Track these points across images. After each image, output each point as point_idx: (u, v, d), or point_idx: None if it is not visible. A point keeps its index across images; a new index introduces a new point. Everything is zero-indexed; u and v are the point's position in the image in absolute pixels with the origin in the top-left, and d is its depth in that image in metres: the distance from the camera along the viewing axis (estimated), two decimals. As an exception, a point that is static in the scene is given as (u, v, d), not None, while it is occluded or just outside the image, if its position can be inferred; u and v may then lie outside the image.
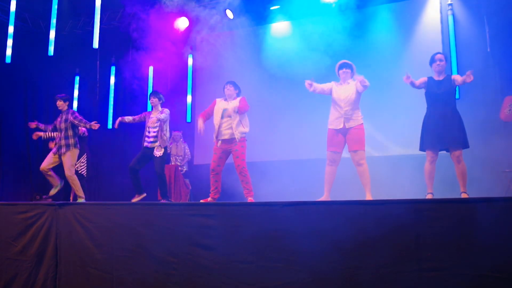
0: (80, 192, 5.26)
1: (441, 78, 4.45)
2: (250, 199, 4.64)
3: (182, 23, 8.19)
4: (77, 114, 5.55)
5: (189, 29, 8.75)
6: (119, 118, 5.67)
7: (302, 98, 7.47)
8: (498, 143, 6.57)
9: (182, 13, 8.16)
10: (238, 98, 4.96)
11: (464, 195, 4.23)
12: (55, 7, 7.79)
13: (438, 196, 4.28)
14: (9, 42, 8.01)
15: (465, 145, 4.34)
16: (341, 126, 4.51)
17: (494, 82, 6.66)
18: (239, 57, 8.36)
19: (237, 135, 4.72)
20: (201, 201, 4.68)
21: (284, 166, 7.56)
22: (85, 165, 6.31)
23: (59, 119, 5.57)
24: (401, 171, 6.23)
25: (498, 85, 6.62)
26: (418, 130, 4.57)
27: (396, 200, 3.03)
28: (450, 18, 6.97)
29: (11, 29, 8.06)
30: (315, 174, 6.83)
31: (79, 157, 6.05)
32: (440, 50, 7.17)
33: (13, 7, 8.00)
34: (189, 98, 8.78)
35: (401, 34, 7.43)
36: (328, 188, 4.57)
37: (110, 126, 8.94)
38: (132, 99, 8.92)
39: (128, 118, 5.64)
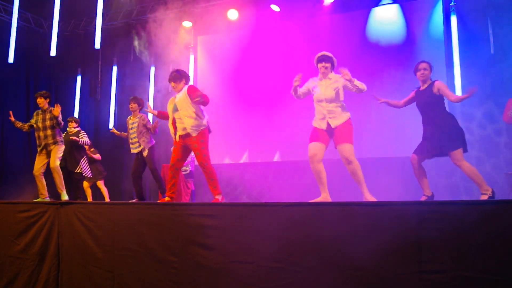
0: (59, 187, 5.34)
1: (425, 86, 4.46)
2: (216, 198, 4.27)
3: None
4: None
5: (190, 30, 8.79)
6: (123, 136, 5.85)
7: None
8: (501, 145, 6.59)
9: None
10: (185, 88, 4.49)
11: (483, 197, 4.01)
12: (57, 7, 7.82)
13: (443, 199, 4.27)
14: (12, 42, 8.04)
15: (457, 146, 4.14)
16: (325, 126, 4.13)
17: (497, 84, 6.66)
18: (238, 57, 8.39)
19: (190, 130, 4.35)
20: (158, 200, 4.55)
21: (289, 166, 7.61)
22: (88, 166, 6.37)
23: (40, 117, 5.53)
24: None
25: (501, 87, 6.63)
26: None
27: (397, 202, 3.04)
28: (453, 19, 6.96)
29: (13, 29, 8.10)
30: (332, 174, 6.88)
31: (79, 161, 6.17)
32: (443, 52, 7.20)
33: (16, 7, 8.04)
34: (190, 98, 8.78)
35: (403, 34, 7.43)
36: (323, 188, 4.12)
37: (111, 126, 8.97)
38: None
39: (123, 134, 5.84)
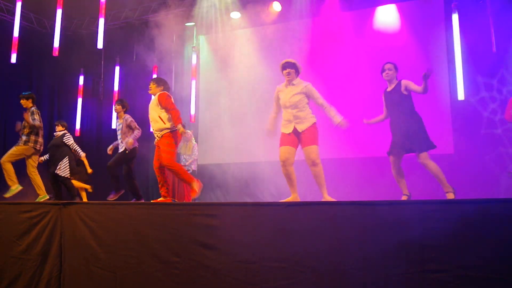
0: (9, 181, 5.54)
1: (391, 87, 4.47)
2: (194, 189, 4.52)
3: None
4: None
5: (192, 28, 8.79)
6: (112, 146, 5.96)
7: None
8: (504, 144, 6.56)
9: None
10: (157, 94, 4.77)
11: (449, 195, 4.19)
12: (60, 7, 7.82)
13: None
14: (15, 42, 8.04)
15: (427, 147, 4.27)
16: (292, 130, 4.22)
17: (500, 82, 6.63)
18: (243, 55, 8.38)
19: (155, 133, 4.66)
20: (152, 201, 4.66)
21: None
22: (67, 166, 6.40)
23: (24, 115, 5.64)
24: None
25: (503, 85, 6.60)
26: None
27: (400, 201, 3.03)
28: (455, 17, 6.91)
29: (16, 30, 8.10)
30: (329, 173, 6.86)
31: (60, 159, 6.27)
32: (445, 51, 7.17)
33: (18, 7, 8.04)
34: (193, 97, 8.79)
35: (405, 33, 7.40)
36: (294, 189, 4.23)
37: (114, 126, 8.97)
38: (136, 98, 8.94)
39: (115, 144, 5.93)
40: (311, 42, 7.73)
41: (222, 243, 3.30)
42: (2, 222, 4.25)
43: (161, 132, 4.61)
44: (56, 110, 10.04)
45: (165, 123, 4.63)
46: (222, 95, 8.53)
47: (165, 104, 4.63)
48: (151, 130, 4.80)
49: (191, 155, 7.75)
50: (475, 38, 6.85)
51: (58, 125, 6.58)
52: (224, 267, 3.25)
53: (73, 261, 3.90)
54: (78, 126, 9.57)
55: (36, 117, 5.61)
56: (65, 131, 6.56)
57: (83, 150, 6.85)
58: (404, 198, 4.36)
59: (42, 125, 5.74)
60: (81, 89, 9.71)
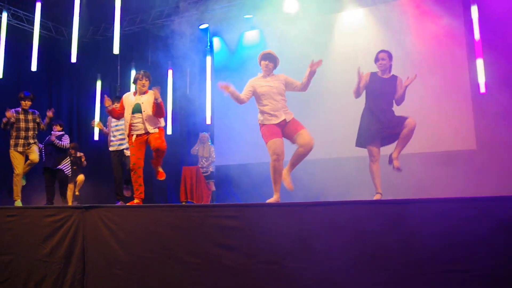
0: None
1: (385, 76, 4.36)
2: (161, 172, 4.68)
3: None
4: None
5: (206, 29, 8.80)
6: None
7: (321, 95, 7.43)
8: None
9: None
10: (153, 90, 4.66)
11: (396, 162, 4.25)
12: (76, 15, 7.96)
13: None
14: (35, 51, 8.22)
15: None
16: (281, 120, 4.10)
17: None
18: (257, 55, 8.36)
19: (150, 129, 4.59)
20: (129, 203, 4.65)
21: (304, 165, 7.51)
22: (69, 165, 6.75)
23: (21, 117, 5.73)
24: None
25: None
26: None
27: (422, 199, 2.97)
28: (474, 9, 6.77)
29: (36, 38, 8.28)
30: (339, 173, 6.80)
31: (63, 158, 6.57)
32: (464, 44, 7.02)
33: (37, 17, 8.22)
34: (208, 100, 8.83)
35: (423, 27, 7.29)
36: (278, 188, 4.06)
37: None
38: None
39: (104, 130, 6.03)
40: (327, 38, 7.69)
41: (242, 244, 3.29)
42: (27, 226, 4.33)
43: (154, 128, 4.57)
44: (75, 115, 10.21)
45: (160, 122, 4.64)
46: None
47: (158, 96, 4.56)
48: (136, 129, 4.60)
49: (209, 158, 7.79)
50: (495, 30, 6.70)
51: (56, 125, 6.78)
52: (245, 268, 3.24)
53: (95, 264, 3.94)
54: (96, 130, 9.72)
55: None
56: (63, 132, 6.85)
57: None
58: (377, 197, 4.24)
59: None
60: (98, 94, 9.85)
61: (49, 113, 5.84)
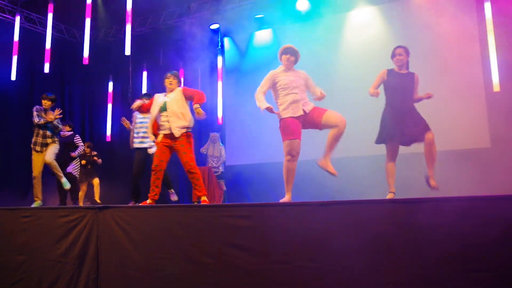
0: (60, 174, 5.68)
1: (403, 72, 4.29)
2: (204, 200, 4.50)
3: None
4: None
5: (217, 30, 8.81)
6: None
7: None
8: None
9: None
10: (180, 88, 4.68)
11: (432, 182, 4.13)
12: (88, 17, 8.04)
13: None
14: (47, 53, 8.32)
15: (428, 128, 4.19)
16: (301, 113, 4.05)
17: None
18: (268, 54, 8.36)
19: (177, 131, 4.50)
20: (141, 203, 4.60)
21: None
22: (78, 167, 6.75)
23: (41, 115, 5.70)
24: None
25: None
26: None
27: (438, 198, 2.92)
28: (487, 6, 6.67)
29: (48, 41, 8.38)
30: (352, 172, 6.73)
31: (73, 159, 6.62)
32: (477, 41, 6.92)
33: (50, 19, 8.31)
34: (219, 99, 8.84)
35: (436, 24, 7.20)
36: (289, 188, 4.04)
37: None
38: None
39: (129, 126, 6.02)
40: (339, 37, 7.64)
41: (255, 244, 3.28)
42: (41, 227, 4.37)
43: (182, 130, 4.52)
44: (87, 117, 10.31)
45: (187, 121, 4.57)
46: (248, 95, 8.53)
47: (191, 92, 4.59)
48: (162, 129, 4.58)
49: (220, 157, 7.78)
50: (509, 27, 6.58)
51: (66, 126, 6.81)
52: (258, 268, 3.23)
53: (109, 264, 3.96)
54: (108, 131, 9.80)
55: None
56: (72, 132, 6.88)
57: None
58: (391, 196, 4.18)
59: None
60: (110, 95, 9.93)
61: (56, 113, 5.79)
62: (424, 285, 2.70)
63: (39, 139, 5.62)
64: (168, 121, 4.52)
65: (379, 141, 4.35)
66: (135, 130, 5.81)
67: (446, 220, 2.71)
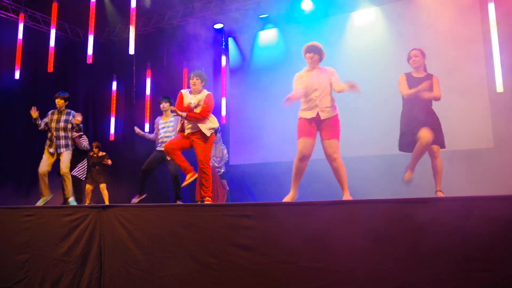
0: (69, 193, 5.44)
1: (420, 75, 4.25)
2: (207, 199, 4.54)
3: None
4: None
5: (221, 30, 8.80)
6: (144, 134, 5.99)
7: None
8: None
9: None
10: (207, 94, 4.71)
11: (439, 194, 4.08)
12: (92, 16, 8.06)
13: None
14: (51, 52, 8.34)
15: (442, 145, 4.18)
16: (315, 115, 3.96)
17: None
18: (272, 54, 8.36)
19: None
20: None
21: (326, 164, 7.45)
22: (85, 170, 6.57)
23: (55, 117, 5.56)
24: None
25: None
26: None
27: (442, 197, 2.91)
28: (491, 7, 6.63)
29: (52, 40, 8.40)
30: (360, 172, 6.70)
31: (79, 162, 6.38)
32: (481, 41, 6.89)
33: (54, 18, 8.33)
34: (223, 100, 8.84)
35: (439, 25, 7.17)
36: (295, 184, 4.04)
37: (147, 129, 9.14)
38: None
39: (148, 136, 5.98)
40: (343, 37, 7.62)
41: (259, 244, 3.28)
42: (44, 226, 4.38)
43: (211, 131, 4.60)
44: (91, 116, 10.33)
45: (213, 123, 4.66)
46: (252, 95, 8.54)
47: (210, 105, 4.61)
48: (187, 128, 4.64)
49: (222, 158, 7.80)
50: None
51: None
52: (262, 268, 3.22)
53: (112, 263, 3.96)
54: (112, 130, 9.82)
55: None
56: (81, 133, 6.74)
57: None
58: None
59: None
60: (114, 94, 9.95)
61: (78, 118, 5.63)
62: (426, 285, 2.69)
63: (52, 140, 5.50)
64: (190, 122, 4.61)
65: (401, 149, 4.37)
66: (159, 133, 5.82)
67: (449, 220, 2.70)
